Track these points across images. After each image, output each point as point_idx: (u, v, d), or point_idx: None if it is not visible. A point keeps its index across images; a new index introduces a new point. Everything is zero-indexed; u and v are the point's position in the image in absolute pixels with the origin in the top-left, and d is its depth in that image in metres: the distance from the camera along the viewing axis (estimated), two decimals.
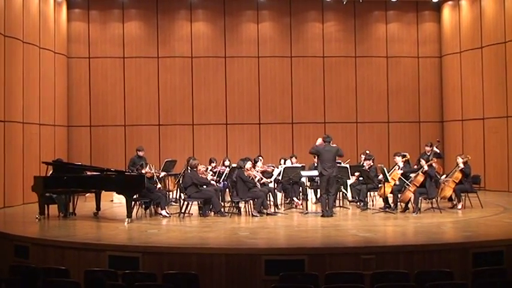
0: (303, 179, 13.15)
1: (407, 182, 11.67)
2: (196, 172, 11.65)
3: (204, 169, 12.56)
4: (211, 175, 12.63)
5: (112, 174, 11.73)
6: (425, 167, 11.51)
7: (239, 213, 11.93)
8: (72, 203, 12.02)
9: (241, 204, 12.11)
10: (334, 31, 18.60)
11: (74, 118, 17.62)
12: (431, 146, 13.65)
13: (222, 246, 8.36)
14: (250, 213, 11.70)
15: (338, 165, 11.92)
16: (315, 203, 13.75)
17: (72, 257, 8.50)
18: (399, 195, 11.91)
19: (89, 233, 9.81)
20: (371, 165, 13.04)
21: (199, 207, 11.85)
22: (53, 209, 11.80)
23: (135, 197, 11.31)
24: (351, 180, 13.37)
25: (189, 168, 11.80)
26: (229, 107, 18.15)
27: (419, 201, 11.50)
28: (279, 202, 13.16)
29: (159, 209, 11.80)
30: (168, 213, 11.58)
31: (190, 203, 11.78)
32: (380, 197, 12.46)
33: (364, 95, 18.57)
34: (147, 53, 17.98)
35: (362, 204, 12.67)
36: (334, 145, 11.68)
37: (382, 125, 18.61)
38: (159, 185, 11.72)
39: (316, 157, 11.76)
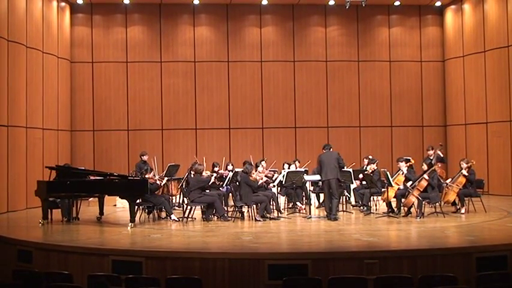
0: (306, 184, 13.15)
1: (409, 188, 11.63)
2: (200, 177, 11.65)
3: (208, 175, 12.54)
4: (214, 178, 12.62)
5: (115, 179, 11.74)
6: (426, 176, 11.47)
7: (242, 217, 11.92)
8: (75, 208, 12.05)
9: (245, 209, 12.10)
10: (337, 35, 18.63)
11: (77, 123, 17.67)
12: (432, 149, 13.72)
13: (225, 250, 8.34)
14: (253, 217, 11.68)
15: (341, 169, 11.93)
16: (318, 207, 13.75)
17: (76, 261, 8.50)
18: (402, 200, 11.88)
19: (92, 238, 9.81)
20: (374, 170, 13.02)
21: (202, 211, 11.84)
22: (56, 213, 11.81)
23: (138, 201, 11.31)
24: (354, 184, 13.36)
25: (192, 172, 11.82)
26: (232, 112, 18.17)
27: (423, 205, 11.47)
28: (282, 207, 13.16)
29: (163, 213, 11.85)
30: (177, 218, 11.58)
31: (193, 208, 11.78)
32: (383, 201, 12.44)
33: (367, 99, 18.58)
34: (150, 57, 18.03)
35: (365, 208, 12.65)
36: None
37: (385, 130, 18.60)
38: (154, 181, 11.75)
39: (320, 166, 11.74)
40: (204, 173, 11.92)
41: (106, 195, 12.08)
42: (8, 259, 9.33)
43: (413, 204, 11.59)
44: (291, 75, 18.41)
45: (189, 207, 11.69)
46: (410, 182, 11.80)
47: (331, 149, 11.80)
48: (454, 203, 12.37)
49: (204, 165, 12.37)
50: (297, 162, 14.42)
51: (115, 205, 14.31)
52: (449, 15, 18.49)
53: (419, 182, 11.54)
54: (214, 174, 12.70)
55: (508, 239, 8.89)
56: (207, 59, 18.21)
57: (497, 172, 16.45)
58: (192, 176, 11.86)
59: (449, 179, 12.92)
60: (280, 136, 18.29)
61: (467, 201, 12.31)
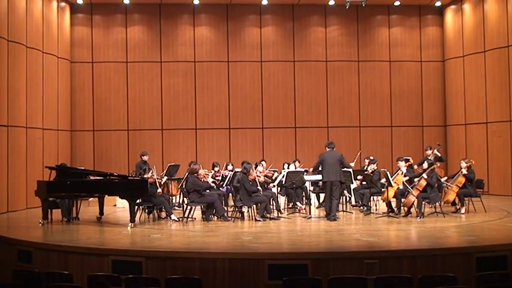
0: (306, 184, 13.14)
1: (409, 187, 11.63)
2: (196, 177, 11.61)
3: (206, 173, 12.53)
4: (212, 178, 12.60)
5: (115, 179, 11.74)
6: (425, 176, 11.47)
7: (242, 217, 11.91)
8: (75, 208, 12.04)
9: (245, 209, 12.10)
10: (337, 35, 18.63)
11: (77, 122, 17.67)
12: (431, 149, 13.75)
13: (225, 250, 8.34)
14: (253, 217, 11.68)
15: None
16: (318, 207, 13.74)
17: (76, 261, 8.50)
18: (402, 200, 11.89)
19: (92, 238, 9.80)
20: (374, 170, 13.02)
21: (202, 211, 11.84)
22: (56, 213, 11.81)
23: (138, 201, 11.31)
24: (354, 184, 13.35)
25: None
26: (232, 112, 18.17)
27: (423, 205, 11.47)
28: (282, 207, 13.16)
29: (163, 213, 11.85)
30: (177, 218, 11.57)
31: (193, 208, 11.78)
32: (383, 201, 12.44)
33: (367, 99, 18.57)
34: (150, 57, 18.03)
35: (365, 208, 12.65)
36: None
37: (385, 130, 18.60)
38: (159, 190, 11.73)
39: (321, 165, 11.65)
40: (200, 171, 11.89)
41: (106, 195, 12.08)
42: (8, 259, 9.33)
43: (413, 204, 11.59)
44: (291, 75, 18.41)
45: (189, 207, 11.69)
46: (407, 178, 11.82)
47: (334, 148, 11.76)
48: (454, 203, 12.38)
49: (202, 171, 12.31)
50: (297, 162, 14.42)
51: (115, 205, 14.31)
52: (449, 15, 18.48)
53: (418, 181, 11.54)
54: (211, 174, 12.69)
55: (508, 239, 8.89)
56: (207, 59, 18.20)
57: (497, 172, 16.45)
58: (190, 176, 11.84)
59: (445, 177, 12.97)
60: (280, 136, 18.29)
61: (467, 201, 12.31)
